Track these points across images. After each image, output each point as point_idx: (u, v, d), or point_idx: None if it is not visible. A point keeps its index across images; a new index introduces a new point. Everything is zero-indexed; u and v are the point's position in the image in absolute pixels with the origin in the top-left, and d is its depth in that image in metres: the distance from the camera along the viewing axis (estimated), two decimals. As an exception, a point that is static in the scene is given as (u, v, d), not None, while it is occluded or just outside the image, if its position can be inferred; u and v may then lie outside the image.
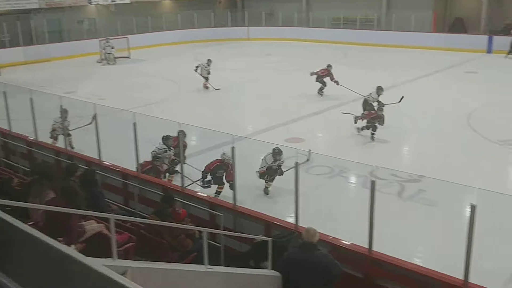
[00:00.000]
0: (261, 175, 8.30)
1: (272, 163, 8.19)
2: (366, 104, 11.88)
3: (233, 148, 6.20)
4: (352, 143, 11.09)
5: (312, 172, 9.42)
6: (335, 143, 11.42)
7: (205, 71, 16.31)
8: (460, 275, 4.47)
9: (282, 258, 4.35)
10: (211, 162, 8.05)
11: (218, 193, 8.03)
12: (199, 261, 4.28)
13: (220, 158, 8.01)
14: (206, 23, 29.59)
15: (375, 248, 5.12)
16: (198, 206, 6.37)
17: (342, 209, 7.96)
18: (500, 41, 22.72)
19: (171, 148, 8.59)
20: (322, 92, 15.05)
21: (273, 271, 4.48)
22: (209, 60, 16.38)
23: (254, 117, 13.94)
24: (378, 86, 11.92)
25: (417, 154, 10.90)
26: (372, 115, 11.03)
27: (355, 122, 11.52)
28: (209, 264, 4.17)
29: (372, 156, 10.08)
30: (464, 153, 10.25)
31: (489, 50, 22.89)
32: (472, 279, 4.44)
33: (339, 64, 21.05)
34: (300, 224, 5.67)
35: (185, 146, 8.63)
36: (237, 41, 28.94)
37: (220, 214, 5.87)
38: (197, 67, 16.40)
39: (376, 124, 10.94)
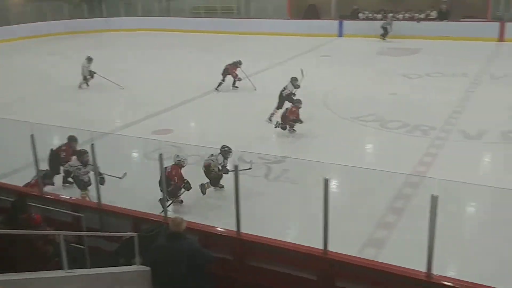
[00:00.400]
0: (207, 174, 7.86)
1: (222, 162, 7.73)
2: (287, 98, 11.52)
3: (92, 145, 5.94)
4: (222, 130, 11.24)
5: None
6: (206, 131, 11.50)
7: (86, 70, 15.25)
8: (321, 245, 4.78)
9: (149, 251, 4.30)
10: (173, 173, 7.33)
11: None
12: (62, 267, 4.05)
13: (176, 164, 7.39)
14: (60, 15, 27.79)
15: (245, 230, 5.28)
16: (59, 209, 6.01)
17: (213, 196, 8.06)
18: (350, 25, 24.56)
19: (88, 164, 7.55)
20: (218, 88, 14.65)
21: (142, 266, 4.40)
22: (89, 58, 15.26)
23: (121, 110, 13.52)
24: (293, 77, 11.76)
25: (280, 135, 11.40)
26: (294, 114, 10.58)
27: (270, 120, 11.33)
28: (74, 268, 3.98)
29: (240, 141, 10.30)
30: (322, 131, 10.93)
31: (340, 34, 24.56)
32: (331, 248, 4.76)
33: (205, 53, 21.33)
34: (170, 215, 5.65)
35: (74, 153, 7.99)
36: (96, 33, 27.66)
37: (81, 215, 5.60)
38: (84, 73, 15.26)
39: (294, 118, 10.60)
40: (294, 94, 11.47)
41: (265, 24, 25.58)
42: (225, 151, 7.76)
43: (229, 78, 14.52)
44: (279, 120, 10.78)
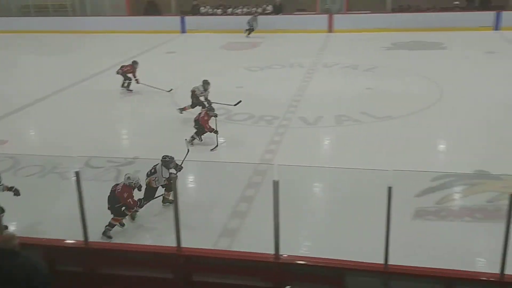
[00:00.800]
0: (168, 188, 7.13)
1: (169, 172, 7.04)
2: (195, 98, 11.00)
3: None
4: (59, 135, 10.62)
5: (20, 174, 8.70)
6: (47, 138, 10.77)
7: None
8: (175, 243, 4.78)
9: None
10: (124, 195, 6.46)
11: (112, 226, 6.62)
12: None
13: (126, 185, 6.51)
14: None
15: (93, 238, 5.07)
16: None
17: (55, 205, 7.61)
18: (191, 21, 24.67)
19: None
20: (129, 89, 13.67)
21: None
22: None
23: None
24: (204, 80, 11.12)
25: (129, 136, 11.17)
26: (206, 122, 9.65)
27: (181, 112, 10.82)
28: None
29: (81, 147, 9.84)
30: (170, 129, 10.93)
31: (183, 30, 24.58)
32: (185, 244, 4.79)
33: (36, 55, 19.86)
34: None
35: None
36: None
37: None
38: None
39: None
40: (209, 101, 10.95)
41: (102, 22, 24.53)
42: (167, 162, 7.05)
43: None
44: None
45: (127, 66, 13.67)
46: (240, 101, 10.87)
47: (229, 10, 25.43)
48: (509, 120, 10.60)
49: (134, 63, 13.72)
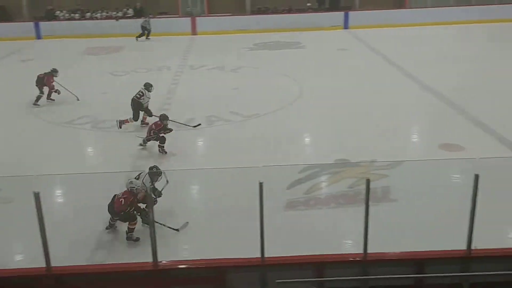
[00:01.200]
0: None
1: (150, 185, 6.49)
2: (142, 107, 10.39)
3: None
4: None
5: None
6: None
7: None
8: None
9: None
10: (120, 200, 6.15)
11: (131, 230, 6.27)
12: None
13: (128, 190, 6.19)
14: None
15: None
16: None
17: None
18: (47, 26, 23.22)
19: None
20: (51, 98, 12.54)
21: None
22: None
23: None
24: (147, 83, 10.58)
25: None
26: (159, 126, 9.17)
27: (120, 127, 10.18)
28: None
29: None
30: (33, 140, 10.22)
31: (39, 36, 23.06)
32: (58, 263, 4.54)
33: None
34: None
35: None
36: None
37: None
38: None
39: (162, 135, 9.18)
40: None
41: None
42: (153, 173, 6.67)
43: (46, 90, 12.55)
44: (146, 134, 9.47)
45: (48, 77, 12.54)
46: (199, 124, 10.65)
47: (88, 14, 24.38)
48: (361, 111, 11.49)
49: (54, 71, 12.70)
